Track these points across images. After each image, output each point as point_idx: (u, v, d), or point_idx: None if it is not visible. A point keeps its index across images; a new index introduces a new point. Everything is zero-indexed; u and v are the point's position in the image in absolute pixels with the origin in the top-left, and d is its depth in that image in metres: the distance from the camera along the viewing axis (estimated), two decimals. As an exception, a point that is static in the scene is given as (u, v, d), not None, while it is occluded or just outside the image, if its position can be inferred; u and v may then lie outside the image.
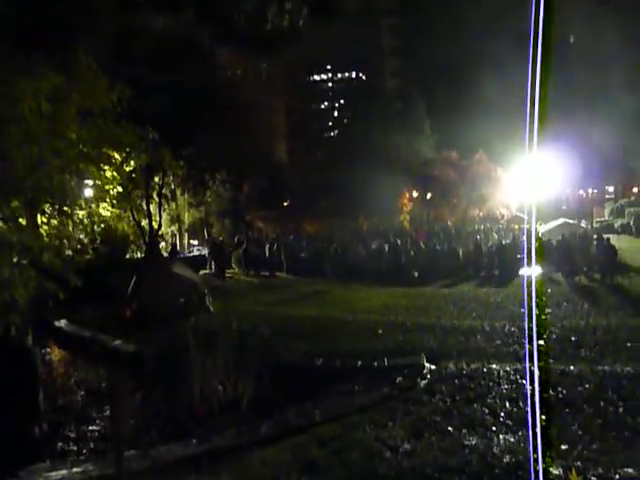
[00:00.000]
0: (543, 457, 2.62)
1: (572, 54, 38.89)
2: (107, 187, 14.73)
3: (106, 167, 13.40)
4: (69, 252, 15.15)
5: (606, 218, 39.81)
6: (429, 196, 37.75)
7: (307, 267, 23.10)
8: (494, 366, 8.49)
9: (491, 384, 7.75)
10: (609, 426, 6.15)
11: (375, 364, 9.21)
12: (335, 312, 14.30)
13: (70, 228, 15.19)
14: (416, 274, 20.71)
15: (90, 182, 14.37)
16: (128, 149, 13.67)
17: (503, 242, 22.24)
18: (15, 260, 7.49)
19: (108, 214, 17.72)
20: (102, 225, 18.03)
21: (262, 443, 6.59)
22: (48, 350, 13.60)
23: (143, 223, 19.11)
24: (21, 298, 7.14)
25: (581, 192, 52.29)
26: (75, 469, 6.38)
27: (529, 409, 2.70)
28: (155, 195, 20.06)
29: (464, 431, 6.23)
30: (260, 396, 8.08)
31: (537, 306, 2.72)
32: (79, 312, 14.92)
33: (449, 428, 6.35)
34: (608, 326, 10.99)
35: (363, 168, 33.34)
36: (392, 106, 47.48)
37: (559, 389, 7.21)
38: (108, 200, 16.10)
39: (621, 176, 49.07)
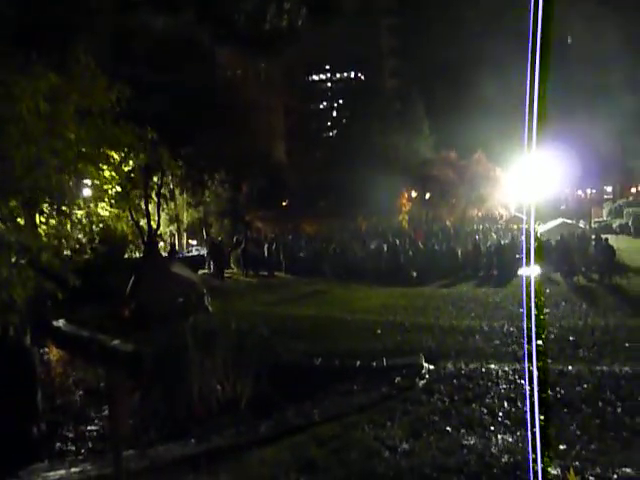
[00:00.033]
0: (541, 457, 2.62)
1: (571, 54, 38.96)
2: (106, 187, 14.70)
3: (105, 167, 13.37)
4: (68, 252, 15.14)
5: (604, 218, 39.86)
6: (428, 196, 37.77)
7: (306, 267, 23.10)
8: (493, 366, 8.50)
9: (490, 384, 7.75)
10: (607, 426, 6.15)
11: (374, 364, 9.22)
12: (334, 312, 14.31)
13: (69, 228, 15.18)
14: (415, 274, 20.72)
15: (89, 182, 14.35)
16: (127, 149, 13.65)
17: (502, 242, 22.27)
18: (13, 260, 7.48)
19: (107, 214, 17.69)
20: (101, 225, 18.00)
21: (261, 443, 6.59)
22: (46, 350, 13.59)
23: (142, 223, 19.11)
24: (19, 298, 7.13)
25: (580, 192, 52.37)
26: (73, 469, 6.38)
27: (528, 409, 2.71)
28: (154, 195, 20.05)
29: (462, 431, 6.23)
30: (259, 396, 8.08)
31: (536, 306, 2.72)
32: (77, 312, 14.91)
33: (447, 428, 6.36)
34: (606, 326, 11.01)
35: (362, 168, 33.35)
36: (391, 106, 47.50)
37: (557, 389, 7.22)
38: (107, 200, 16.08)
39: (619, 176, 49.14)
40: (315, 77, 68.90)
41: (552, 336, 10.11)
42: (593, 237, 21.61)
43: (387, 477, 5.31)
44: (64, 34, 15.75)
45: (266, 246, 24.85)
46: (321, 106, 68.79)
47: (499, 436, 6.01)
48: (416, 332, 11.33)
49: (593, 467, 5.07)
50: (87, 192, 15.60)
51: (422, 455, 5.67)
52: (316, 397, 8.04)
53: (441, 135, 41.30)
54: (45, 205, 12.12)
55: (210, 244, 26.42)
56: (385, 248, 22.83)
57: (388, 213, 35.68)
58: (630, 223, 33.61)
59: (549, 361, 7.81)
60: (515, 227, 30.67)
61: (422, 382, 8.16)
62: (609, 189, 52.03)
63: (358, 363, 9.31)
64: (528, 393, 2.78)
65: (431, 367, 8.77)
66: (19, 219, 10.22)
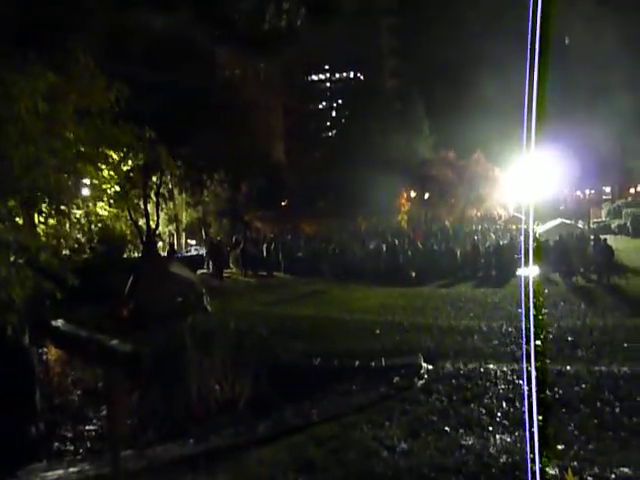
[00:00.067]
0: (540, 457, 2.62)
1: (570, 55, 38.98)
2: (104, 186, 14.69)
3: (103, 166, 13.36)
4: (66, 251, 15.12)
5: (603, 219, 39.91)
6: (427, 196, 37.77)
7: (305, 267, 23.09)
8: (491, 366, 8.51)
9: (488, 384, 7.76)
10: (605, 426, 6.16)
11: (372, 364, 9.22)
12: (333, 312, 14.31)
13: (67, 227, 15.17)
14: (414, 274, 20.72)
15: (87, 181, 14.33)
16: (125, 149, 13.63)
17: (500, 242, 22.29)
18: (12, 259, 7.47)
19: (105, 213, 17.69)
20: (99, 224, 18.00)
21: (259, 443, 6.58)
22: (45, 350, 13.56)
23: (140, 222, 19.09)
24: (18, 297, 7.12)
25: (578, 193, 52.41)
26: (72, 469, 6.37)
27: (526, 409, 2.71)
28: (153, 195, 20.02)
29: (461, 431, 6.23)
30: (257, 396, 8.08)
31: (534, 306, 2.72)
32: (76, 312, 14.88)
33: (446, 428, 6.36)
34: (605, 326, 11.02)
35: (361, 168, 33.35)
36: (390, 106, 47.46)
37: (556, 389, 7.22)
38: (105, 199, 16.07)
39: (618, 177, 49.20)
40: (314, 77, 68.89)
41: (550, 336, 10.12)
42: (592, 237, 21.63)
43: (385, 477, 5.31)
44: (63, 34, 15.74)
45: (265, 246, 24.83)
46: (320, 106, 68.77)
47: (497, 436, 6.02)
48: (415, 332, 11.33)
49: (591, 467, 5.07)
50: (86, 192, 15.58)
51: (420, 455, 5.67)
52: (315, 397, 8.03)
53: (440, 135, 41.33)
54: (44, 205, 12.09)
55: (209, 244, 26.41)
56: (384, 248, 22.83)
57: (387, 213, 35.68)
58: (629, 224, 33.65)
59: (547, 361, 7.82)
60: (514, 227, 30.68)
61: (421, 382, 8.17)
62: (608, 189, 52.08)
63: (357, 363, 9.31)
64: (526, 393, 2.78)
65: (430, 367, 8.77)
66: (18, 219, 10.20)
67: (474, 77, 39.00)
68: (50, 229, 13.52)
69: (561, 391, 7.22)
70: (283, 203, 39.19)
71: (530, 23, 2.60)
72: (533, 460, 2.60)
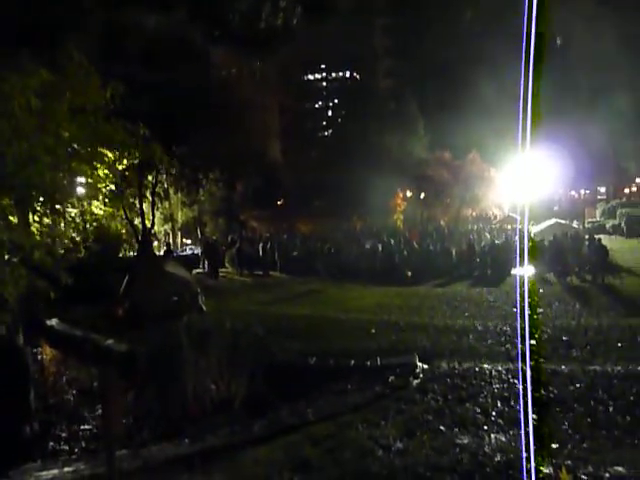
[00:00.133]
0: (534, 456, 2.63)
1: (566, 55, 39.10)
2: (100, 185, 14.63)
3: (98, 165, 13.31)
4: (61, 250, 15.04)
5: (598, 219, 40.12)
6: (422, 196, 37.89)
7: (301, 266, 23.08)
8: (486, 365, 8.53)
9: (483, 383, 7.78)
10: (599, 425, 6.19)
11: (368, 363, 9.22)
12: (328, 311, 14.31)
13: (62, 226, 15.09)
14: (409, 274, 20.77)
15: (82, 180, 14.27)
16: (120, 147, 13.59)
17: (496, 242, 22.37)
18: (6, 258, 7.44)
19: (101, 212, 17.61)
20: (95, 224, 17.91)
21: (255, 442, 6.58)
22: (39, 349, 13.49)
23: (136, 222, 19.05)
24: (11, 296, 7.09)
25: (573, 193, 52.69)
26: (66, 468, 6.34)
27: (521, 408, 2.72)
28: (148, 194, 19.99)
29: (456, 430, 6.25)
30: (253, 395, 8.07)
31: (529, 306, 2.73)
32: (71, 311, 14.82)
33: (441, 427, 6.37)
34: (599, 326, 11.06)
35: (357, 168, 33.42)
36: (386, 106, 47.56)
37: (550, 388, 7.25)
38: (101, 198, 16.01)
39: (613, 177, 49.49)
40: (310, 76, 68.90)
41: (545, 336, 10.15)
42: (586, 237, 21.75)
43: (381, 476, 5.31)
44: (56, 32, 15.67)
45: (261, 245, 24.80)
46: (316, 105, 68.80)
47: (492, 435, 6.03)
48: (410, 331, 11.34)
49: (585, 466, 5.09)
50: (81, 190, 15.51)
51: (416, 454, 5.68)
52: (310, 396, 8.03)
53: (436, 135, 41.45)
54: (38, 203, 12.03)
55: (205, 243, 26.35)
56: (380, 248, 22.86)
57: (383, 213, 35.76)
58: (623, 224, 33.83)
59: (542, 361, 7.84)
60: (509, 227, 30.81)
61: (416, 381, 8.18)
62: (602, 190, 52.39)
63: (352, 362, 9.31)
64: (521, 392, 2.79)
65: (425, 366, 8.78)
66: (12, 217, 10.14)
67: (469, 77, 39.13)
68: (44, 228, 13.45)
69: (556, 390, 7.25)
70: (279, 202, 39.20)
71: (525, 23, 2.61)
72: (528, 459, 2.61)
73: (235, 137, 31.07)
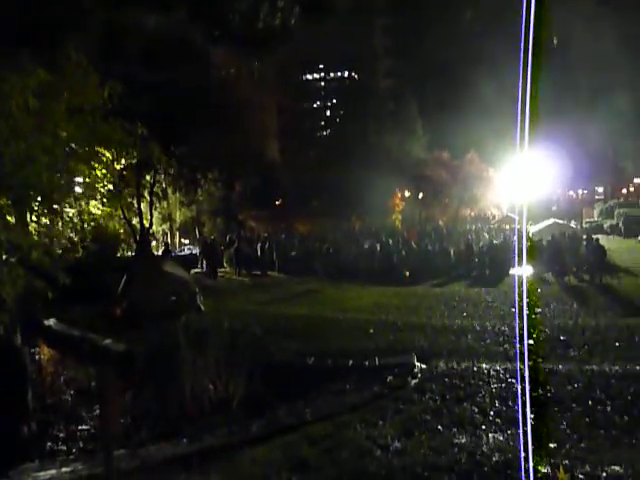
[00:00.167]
0: (532, 455, 2.63)
1: (564, 55, 39.15)
2: (97, 185, 14.61)
3: (96, 165, 13.29)
4: (59, 250, 15.00)
5: (595, 219, 40.20)
6: (421, 196, 37.89)
7: (299, 266, 23.09)
8: (484, 365, 8.53)
9: (481, 383, 7.78)
10: (597, 425, 6.20)
11: (366, 363, 9.22)
12: (326, 311, 14.31)
13: (60, 226, 15.04)
14: (407, 274, 20.79)
15: (80, 180, 14.24)
16: (118, 146, 13.57)
17: (494, 242, 22.41)
18: (3, 258, 7.42)
19: (99, 212, 17.56)
20: (92, 223, 17.86)
21: (253, 442, 6.57)
22: (37, 349, 13.47)
23: (134, 222, 19.00)
24: (9, 296, 7.08)
25: (571, 193, 52.78)
26: (64, 469, 6.33)
27: (519, 408, 2.72)
28: (146, 193, 19.94)
29: (454, 430, 6.25)
30: (251, 395, 8.06)
31: (527, 306, 2.73)
32: (69, 311, 14.80)
33: (439, 427, 6.37)
34: (597, 326, 11.08)
35: (355, 168, 33.43)
36: (384, 106, 47.62)
37: (548, 388, 7.25)
38: (99, 198, 15.96)
39: (611, 177, 49.60)
40: (309, 76, 68.84)
41: (543, 335, 10.16)
42: (584, 237, 21.79)
43: (379, 476, 5.31)
44: (55, 31, 15.65)
45: (259, 245, 24.80)
46: (315, 105, 68.74)
47: (490, 435, 6.03)
48: (408, 331, 11.35)
49: (583, 465, 5.09)
50: (79, 190, 15.47)
51: (414, 454, 5.68)
52: (308, 396, 8.02)
53: (434, 135, 41.48)
54: (36, 203, 12.01)
55: (203, 243, 26.33)
56: (378, 248, 22.87)
57: (381, 213, 35.77)
58: (621, 224, 33.91)
59: (540, 360, 7.86)
60: (507, 227, 30.85)
61: (414, 381, 8.17)
62: (600, 190, 52.48)
63: (350, 362, 9.31)
64: (519, 392, 2.79)
65: (423, 366, 8.78)
66: (9, 217, 10.12)
67: (467, 77, 39.17)
68: (42, 228, 13.42)
69: (553, 390, 7.25)
70: (277, 202, 39.17)
71: (523, 23, 2.61)
72: (526, 458, 2.61)
73: (233, 137, 31.06)
